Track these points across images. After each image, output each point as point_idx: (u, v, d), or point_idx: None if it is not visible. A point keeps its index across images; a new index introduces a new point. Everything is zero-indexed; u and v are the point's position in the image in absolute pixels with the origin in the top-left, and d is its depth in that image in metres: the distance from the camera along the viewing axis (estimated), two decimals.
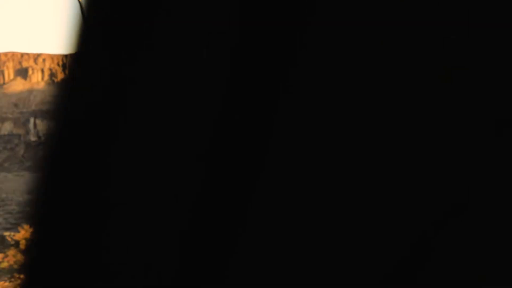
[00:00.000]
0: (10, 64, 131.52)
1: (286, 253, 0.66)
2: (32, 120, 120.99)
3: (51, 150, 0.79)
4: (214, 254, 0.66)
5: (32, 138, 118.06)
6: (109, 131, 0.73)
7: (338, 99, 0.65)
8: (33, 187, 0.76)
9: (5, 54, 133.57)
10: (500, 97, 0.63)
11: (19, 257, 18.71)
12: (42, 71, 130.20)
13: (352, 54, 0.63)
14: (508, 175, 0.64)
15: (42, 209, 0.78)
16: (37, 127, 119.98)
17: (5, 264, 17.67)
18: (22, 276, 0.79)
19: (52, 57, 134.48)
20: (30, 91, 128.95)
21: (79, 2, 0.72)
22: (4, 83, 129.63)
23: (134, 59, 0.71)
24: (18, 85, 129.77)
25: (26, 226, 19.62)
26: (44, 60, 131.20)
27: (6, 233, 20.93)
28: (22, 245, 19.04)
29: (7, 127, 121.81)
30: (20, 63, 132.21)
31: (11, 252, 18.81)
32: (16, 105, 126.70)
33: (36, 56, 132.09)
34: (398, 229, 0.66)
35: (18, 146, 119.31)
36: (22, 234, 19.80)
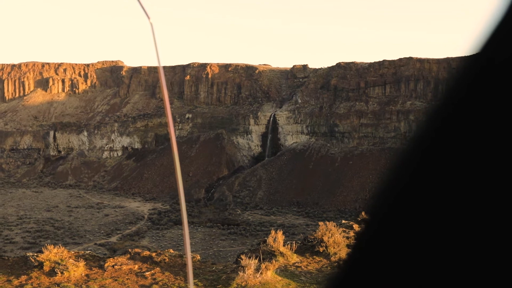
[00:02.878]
0: (31, 75, 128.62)
1: None
2: (52, 133, 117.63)
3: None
4: None
5: (52, 152, 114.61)
6: None
7: None
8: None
9: (26, 64, 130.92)
10: None
11: (43, 279, 14.61)
12: (63, 81, 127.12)
13: None
14: None
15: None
16: (57, 140, 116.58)
17: (28, 287, 13.28)
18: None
19: (73, 66, 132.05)
20: (51, 103, 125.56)
21: None
22: (24, 95, 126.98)
23: None
24: (38, 97, 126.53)
25: (50, 247, 15.70)
26: (65, 70, 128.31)
27: (29, 254, 16.16)
28: (46, 267, 13.09)
29: (26, 141, 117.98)
30: (40, 73, 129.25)
31: (35, 274, 14.35)
32: (35, 117, 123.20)
33: (57, 66, 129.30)
34: None
35: (38, 160, 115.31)
36: (46, 255, 16.74)
